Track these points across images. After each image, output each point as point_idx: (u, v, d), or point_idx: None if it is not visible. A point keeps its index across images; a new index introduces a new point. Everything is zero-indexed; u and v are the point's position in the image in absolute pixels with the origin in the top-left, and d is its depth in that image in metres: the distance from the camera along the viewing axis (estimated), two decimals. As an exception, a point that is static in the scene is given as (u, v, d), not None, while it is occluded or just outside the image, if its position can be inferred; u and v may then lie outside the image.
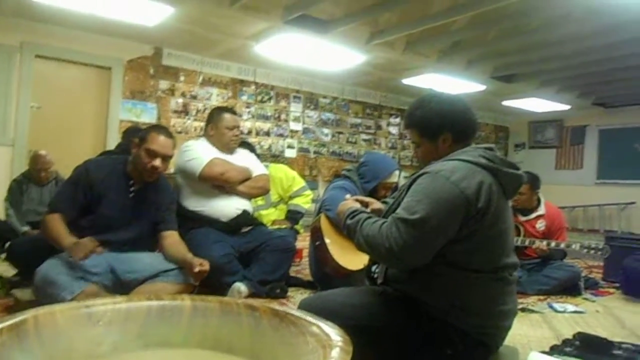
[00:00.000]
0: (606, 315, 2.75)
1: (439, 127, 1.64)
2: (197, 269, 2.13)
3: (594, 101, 8.35)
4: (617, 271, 3.55)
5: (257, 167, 3.00)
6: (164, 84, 6.13)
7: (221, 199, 2.80)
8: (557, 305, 2.81)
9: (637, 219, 8.16)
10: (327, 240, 2.72)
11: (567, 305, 2.84)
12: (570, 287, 3.22)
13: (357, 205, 1.70)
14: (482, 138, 9.44)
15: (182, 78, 6.26)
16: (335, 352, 1.14)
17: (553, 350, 1.70)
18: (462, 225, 1.44)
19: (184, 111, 6.30)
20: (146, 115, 5.98)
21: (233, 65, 6.62)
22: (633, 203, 8.30)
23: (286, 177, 3.71)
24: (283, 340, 1.34)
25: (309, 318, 1.37)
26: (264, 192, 3.10)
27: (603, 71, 6.43)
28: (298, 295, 2.85)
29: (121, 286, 2.20)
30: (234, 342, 1.42)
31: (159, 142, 2.26)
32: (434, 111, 1.65)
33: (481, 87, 7.03)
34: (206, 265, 2.16)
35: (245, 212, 2.85)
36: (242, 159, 2.98)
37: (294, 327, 1.36)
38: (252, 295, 2.64)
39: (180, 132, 6.20)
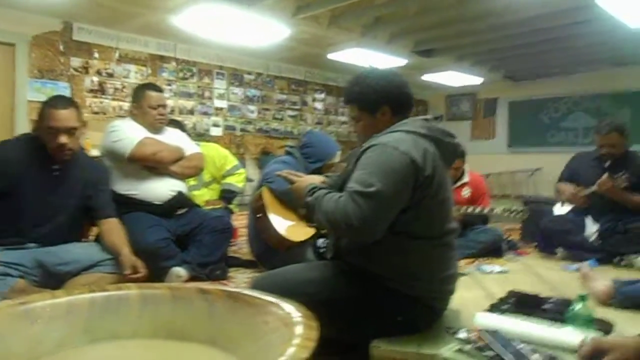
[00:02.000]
0: (528, 273, 2.98)
1: (377, 101, 1.68)
2: (127, 273, 2.02)
3: (504, 75, 8.87)
4: (533, 232, 3.84)
5: (189, 146, 2.89)
6: (76, 62, 5.69)
7: (154, 180, 2.68)
8: (485, 267, 3.00)
9: (544, 184, 8.83)
10: (270, 214, 2.70)
11: (494, 266, 3.05)
12: (493, 250, 3.45)
13: (315, 181, 1.69)
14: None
15: (96, 55, 5.84)
16: (300, 329, 1.14)
17: (492, 309, 1.82)
18: (412, 194, 1.49)
19: (101, 90, 5.90)
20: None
21: (152, 40, 6.28)
22: (540, 169, 8.99)
23: (218, 155, 3.62)
24: (240, 322, 1.32)
25: (265, 297, 1.37)
26: (199, 171, 3.01)
27: (512, 46, 6.83)
28: (239, 275, 2.82)
29: (53, 280, 2.06)
30: (188, 329, 1.38)
31: (56, 116, 2.06)
32: (372, 86, 1.68)
33: (403, 62, 7.20)
34: (140, 272, 2.04)
35: (179, 193, 2.75)
36: (173, 138, 2.85)
37: (249, 308, 1.34)
38: (192, 278, 2.57)
39: (97, 113, 5.83)
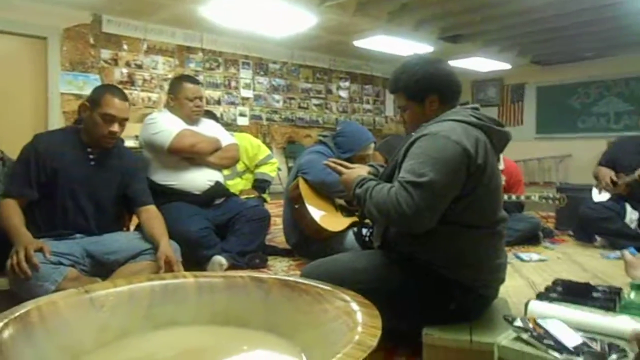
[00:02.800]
0: (567, 261, 2.95)
1: (425, 90, 1.66)
2: (161, 265, 1.97)
3: (531, 59, 8.69)
4: (569, 219, 3.79)
5: (225, 137, 2.92)
6: (105, 54, 5.78)
7: (192, 171, 2.71)
8: (523, 255, 2.98)
9: (574, 170, 8.69)
10: (307, 204, 2.72)
11: (532, 254, 3.02)
12: (530, 238, 3.41)
13: (364, 173, 1.69)
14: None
15: (125, 46, 5.92)
16: (361, 317, 1.15)
17: (540, 297, 1.80)
18: (464, 183, 1.48)
19: (130, 81, 5.99)
20: (89, 87, 5.59)
21: (178, 31, 6.33)
22: (569, 155, 8.82)
23: (251, 145, 3.64)
24: (298, 310, 1.34)
25: (322, 285, 1.38)
26: (235, 162, 3.03)
27: (540, 30, 6.69)
28: (277, 264, 2.85)
29: (101, 269, 2.10)
30: (244, 316, 1.41)
31: (116, 105, 2.08)
32: (420, 74, 1.66)
33: (429, 49, 7.13)
34: (172, 265, 1.98)
35: (217, 183, 2.78)
36: (209, 129, 2.88)
37: (307, 296, 1.37)
38: (231, 267, 2.61)
39: (127, 104, 5.91)
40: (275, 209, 4.73)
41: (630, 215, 3.27)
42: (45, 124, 5.43)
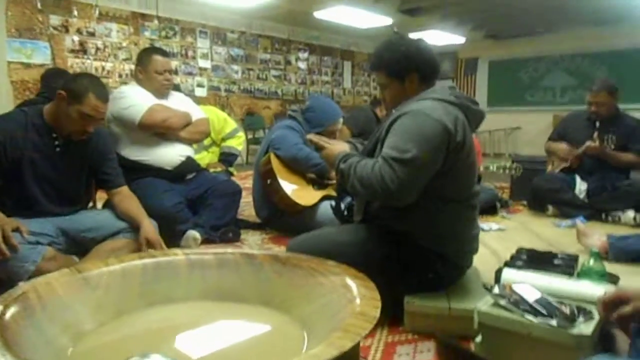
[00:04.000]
0: (523, 230, 3.14)
1: (406, 68, 1.71)
2: (143, 244, 2.00)
3: (485, 34, 8.91)
4: (522, 190, 4.00)
5: (195, 111, 2.88)
6: (55, 20, 5.47)
7: (163, 146, 2.67)
8: (483, 225, 3.13)
9: (522, 143, 9.09)
10: (280, 180, 2.75)
11: (491, 224, 3.19)
12: (488, 208, 3.59)
13: (347, 149, 1.74)
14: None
15: (75, 12, 5.62)
16: (358, 288, 1.22)
17: (508, 265, 1.94)
18: (444, 159, 1.55)
19: (82, 50, 5.71)
20: (39, 55, 5.34)
21: (132, -3, 6.07)
22: (518, 128, 9.21)
23: (217, 119, 3.60)
24: (293, 284, 1.39)
25: (314, 260, 1.44)
26: (205, 136, 3.01)
27: (495, 5, 6.87)
28: (249, 237, 2.88)
29: (77, 247, 2.07)
30: (238, 292, 1.45)
31: (98, 108, 1.99)
32: (402, 53, 1.71)
33: (388, 21, 7.17)
34: (155, 246, 2.00)
35: (189, 158, 2.76)
36: (179, 103, 2.83)
37: (300, 270, 1.42)
38: (205, 241, 2.62)
39: (79, 74, 5.65)
40: (240, 181, 4.72)
41: (580, 186, 3.50)
42: (-9, 93, 5.14)
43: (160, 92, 2.73)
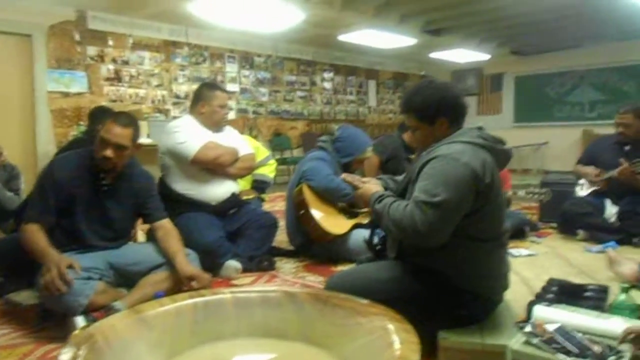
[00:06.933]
0: (553, 256, 3.15)
1: (436, 113, 1.79)
2: (185, 286, 2.06)
3: (510, 50, 8.92)
4: (552, 212, 4.00)
5: (242, 147, 2.98)
6: (92, 50, 5.74)
7: (212, 182, 2.79)
8: (513, 251, 3.16)
9: (550, 158, 9.01)
10: (312, 210, 2.86)
11: (521, 250, 3.22)
12: (517, 233, 3.61)
13: (381, 189, 1.83)
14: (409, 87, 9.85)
15: (110, 42, 5.89)
16: (397, 331, 1.29)
17: (538, 298, 1.98)
18: (473, 201, 1.63)
19: (117, 78, 5.97)
20: (76, 84, 5.60)
21: (164, 26, 6.31)
22: (546, 143, 9.14)
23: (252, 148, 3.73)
24: (333, 323, 1.48)
25: (354, 299, 1.52)
26: (250, 172, 3.15)
27: (519, 23, 6.92)
28: (283, 265, 2.98)
29: (124, 279, 2.20)
30: (282, 329, 1.54)
31: (112, 131, 2.12)
32: (432, 98, 1.80)
33: (412, 41, 7.27)
34: (195, 285, 2.05)
35: (233, 195, 2.89)
36: (229, 137, 2.95)
37: (340, 310, 1.50)
38: (242, 270, 2.73)
39: (115, 101, 5.90)
40: (269, 203, 4.85)
41: (610, 209, 3.50)
42: (33, 123, 5.41)
43: (219, 125, 2.87)
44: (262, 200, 3.87)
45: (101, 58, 5.84)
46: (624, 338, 1.43)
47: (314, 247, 3.02)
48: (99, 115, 3.12)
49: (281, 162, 7.42)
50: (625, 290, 1.80)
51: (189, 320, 1.51)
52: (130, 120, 2.22)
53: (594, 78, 8.68)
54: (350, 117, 8.95)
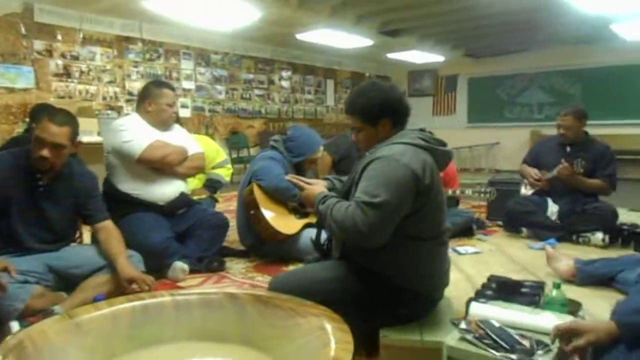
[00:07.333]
0: (498, 253, 3.27)
1: (379, 114, 1.83)
2: (127, 289, 2.01)
3: (464, 52, 9.16)
4: (499, 210, 4.14)
5: (191, 145, 2.92)
6: (39, 44, 5.52)
7: (159, 182, 2.71)
8: (460, 249, 3.27)
9: (501, 158, 9.31)
10: (263, 210, 2.85)
11: (468, 247, 3.32)
12: (465, 230, 3.73)
13: (325, 190, 1.84)
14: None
15: (59, 37, 5.68)
16: (334, 332, 1.31)
17: (478, 295, 2.05)
18: (413, 201, 1.67)
19: (66, 74, 5.77)
20: (22, 80, 5.38)
21: (116, 20, 6.14)
22: (497, 143, 9.43)
23: (210, 150, 3.68)
24: (273, 324, 1.48)
25: (295, 300, 1.53)
26: (200, 171, 3.09)
27: (473, 27, 7.12)
28: (234, 266, 2.96)
29: (65, 283, 2.14)
30: (222, 331, 1.53)
31: (48, 130, 2.04)
32: (375, 99, 1.83)
33: (369, 42, 7.35)
34: (136, 288, 2.01)
35: (182, 194, 2.83)
36: (177, 136, 2.88)
37: (281, 311, 1.51)
38: (190, 271, 2.70)
39: (63, 97, 5.71)
40: (225, 203, 4.80)
41: (551, 208, 3.65)
42: (-25, 119, 5.16)
43: (167, 123, 2.80)
44: (215, 200, 3.84)
45: (49, 53, 5.63)
46: (554, 336, 1.50)
47: (265, 247, 3.02)
48: (41, 112, 3.00)
49: (238, 160, 7.37)
50: (556, 286, 1.88)
51: (126, 324, 1.48)
52: (67, 118, 2.13)
53: (542, 81, 9.02)
54: (308, 116, 8.98)
